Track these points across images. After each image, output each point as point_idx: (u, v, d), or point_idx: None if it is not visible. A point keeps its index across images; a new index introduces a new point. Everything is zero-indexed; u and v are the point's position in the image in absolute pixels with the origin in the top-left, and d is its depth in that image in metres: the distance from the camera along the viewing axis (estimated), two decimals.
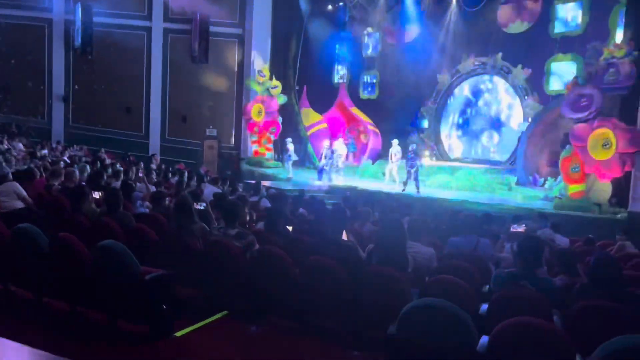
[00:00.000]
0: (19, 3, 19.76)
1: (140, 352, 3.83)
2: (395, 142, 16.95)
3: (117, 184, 8.07)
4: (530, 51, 17.18)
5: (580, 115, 12.26)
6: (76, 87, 20.36)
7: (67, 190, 7.08)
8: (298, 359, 4.00)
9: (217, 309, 4.67)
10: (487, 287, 4.43)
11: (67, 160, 12.94)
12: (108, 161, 13.86)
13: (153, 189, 8.72)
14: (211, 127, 21.14)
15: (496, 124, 19.02)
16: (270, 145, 20.36)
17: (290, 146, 18.14)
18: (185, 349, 4.01)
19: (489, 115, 19.26)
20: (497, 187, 16.00)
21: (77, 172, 7.43)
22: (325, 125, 21.55)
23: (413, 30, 19.71)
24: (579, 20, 16.14)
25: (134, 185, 8.02)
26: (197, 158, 21.02)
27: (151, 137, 20.84)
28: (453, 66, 19.73)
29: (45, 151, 14.37)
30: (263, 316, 4.55)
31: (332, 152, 17.29)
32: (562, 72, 16.12)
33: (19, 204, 6.68)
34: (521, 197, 14.56)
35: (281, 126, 20.05)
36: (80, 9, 19.24)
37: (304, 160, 20.97)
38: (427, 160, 18.01)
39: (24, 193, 6.77)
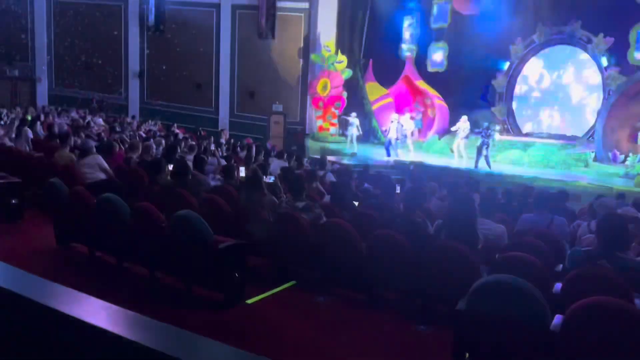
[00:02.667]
0: None
1: (213, 318, 4.01)
2: (464, 118, 16.38)
3: (191, 157, 8.36)
4: (612, 18, 16.01)
5: None
6: (150, 64, 21.15)
7: (145, 162, 7.43)
8: (364, 329, 4.05)
9: (286, 279, 4.81)
10: (561, 266, 4.29)
11: (143, 135, 13.55)
12: (181, 135, 14.38)
13: (224, 162, 9.00)
14: (277, 102, 21.38)
15: (573, 97, 18.05)
16: (335, 121, 20.34)
17: (355, 120, 17.96)
18: (255, 316, 4.16)
19: (565, 88, 18.28)
20: (572, 164, 15.29)
21: (154, 146, 7.77)
22: (390, 99, 21.21)
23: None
24: None
25: (206, 158, 8.27)
26: (264, 133, 21.38)
27: (220, 112, 21.38)
28: (527, 36, 18.79)
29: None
30: (330, 287, 4.63)
31: (401, 126, 17.02)
32: None
33: (102, 176, 7.07)
34: (599, 174, 13.85)
35: (346, 101, 19.95)
36: None
37: (369, 135, 20.82)
38: (497, 135, 17.37)
39: (106, 165, 7.14)
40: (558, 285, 3.64)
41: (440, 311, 4.08)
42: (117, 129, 13.65)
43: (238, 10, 20.93)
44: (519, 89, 19.51)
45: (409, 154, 17.02)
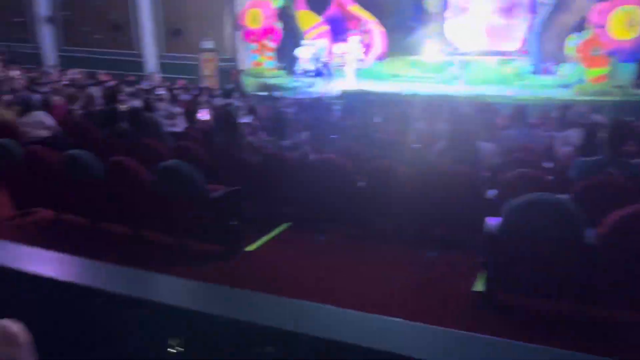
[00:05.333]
0: None
1: (215, 270, 3.77)
2: None
3: (136, 103, 7.75)
4: None
5: None
6: (62, 7, 19.26)
7: (93, 113, 6.80)
8: (373, 263, 3.96)
9: (279, 221, 4.61)
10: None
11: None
12: (111, 83, 13.37)
13: (172, 108, 8.42)
14: (207, 38, 20.22)
15: (505, 11, 18.16)
16: (271, 54, 19.57)
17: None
18: (258, 262, 3.97)
19: (496, 2, 18.35)
20: (511, 78, 15.61)
21: (97, 96, 7.09)
22: (325, 27, 20.57)
23: None
24: None
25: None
26: (197, 73, 20.32)
27: (146, 54, 20.00)
28: None
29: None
30: (328, 225, 4.49)
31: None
32: None
33: (44, 133, 6.41)
34: (537, 86, 14.24)
35: (281, 32, 19.15)
36: None
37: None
38: (436, 55, 17.39)
39: (52, 122, 6.47)
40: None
41: (446, 236, 4.05)
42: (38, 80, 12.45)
43: None
44: (452, 5, 19.41)
45: (348, 82, 16.77)
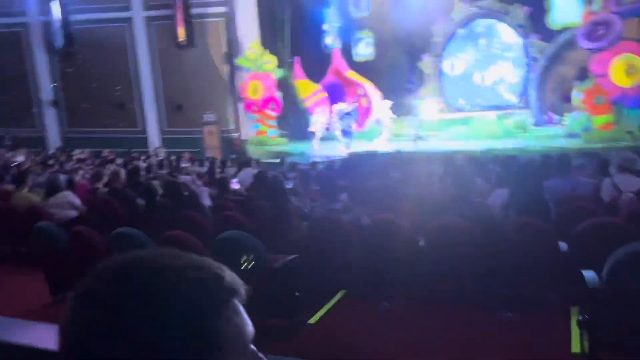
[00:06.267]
0: None
1: (285, 347, 3.52)
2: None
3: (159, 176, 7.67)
4: None
5: (598, 45, 12.00)
6: (65, 90, 19.60)
7: (117, 190, 6.67)
8: (446, 327, 3.73)
9: (335, 289, 4.39)
10: None
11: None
12: (120, 160, 13.38)
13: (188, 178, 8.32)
14: (208, 112, 20.53)
15: (500, 69, 18.69)
16: (273, 123, 19.85)
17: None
18: (327, 335, 3.73)
19: (490, 60, 18.91)
20: (514, 132, 15.80)
21: (123, 172, 7.00)
22: (324, 94, 21.04)
23: None
24: None
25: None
26: (199, 146, 20.46)
27: (149, 130, 20.21)
28: (446, 15, 19.27)
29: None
30: (386, 291, 4.27)
31: (349, 114, 17.02)
32: (564, 4, 15.64)
33: (73, 213, 6.26)
34: (542, 137, 14.39)
35: (282, 101, 19.51)
36: (55, 8, 18.34)
37: (308, 132, 20.61)
38: (435, 114, 17.69)
39: (78, 201, 6.34)
40: None
41: (521, 295, 3.84)
42: (50, 162, 12.41)
43: (152, 22, 19.83)
44: (447, 66, 19.96)
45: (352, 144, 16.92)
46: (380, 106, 17.22)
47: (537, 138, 14.43)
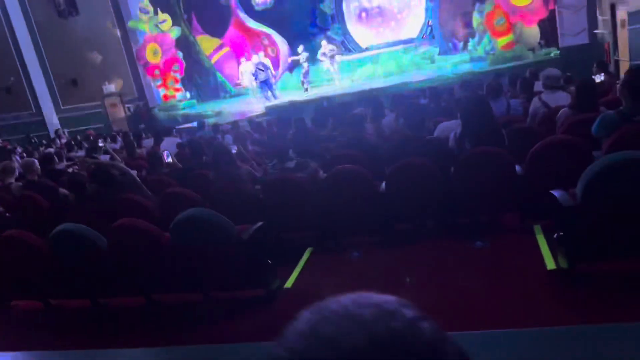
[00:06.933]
0: None
1: (267, 317, 3.40)
2: (300, 48, 16.31)
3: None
4: None
5: None
6: None
7: (36, 183, 6.06)
8: (426, 264, 3.76)
9: (301, 248, 4.29)
10: None
11: None
12: (20, 149, 12.23)
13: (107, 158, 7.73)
14: (108, 83, 19.18)
15: (399, 2, 18.78)
16: (179, 85, 18.92)
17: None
18: (308, 297, 3.63)
19: None
20: (421, 63, 16.10)
21: (36, 162, 6.33)
22: (227, 48, 20.29)
23: None
24: None
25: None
26: (103, 120, 19.20)
27: (45, 111, 18.61)
28: None
29: None
30: (352, 239, 4.24)
31: (266, 68, 16.47)
32: None
33: None
34: (450, 64, 14.78)
35: (183, 62, 18.57)
36: None
37: (218, 91, 19.94)
38: (340, 57, 17.56)
39: None
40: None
41: (490, 222, 3.93)
42: None
43: None
44: (347, 6, 19.77)
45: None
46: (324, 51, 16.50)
47: (445, 67, 14.79)
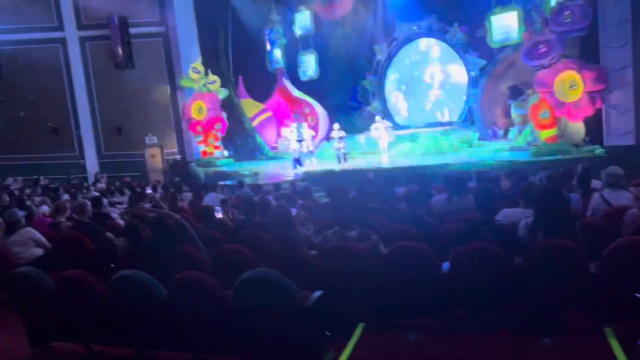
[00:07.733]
0: None
1: None
2: (336, 126, 16.52)
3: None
4: (465, 9, 17.27)
5: (541, 62, 12.59)
6: None
7: (86, 225, 6.11)
8: (486, 354, 3.60)
9: (352, 322, 4.16)
10: None
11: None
12: (61, 189, 12.46)
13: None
14: (150, 134, 19.76)
15: (441, 86, 19.27)
16: (219, 143, 19.37)
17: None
18: None
19: (431, 78, 19.46)
20: (460, 146, 16.24)
21: (89, 204, 6.42)
22: (269, 113, 20.95)
23: (345, 4, 19.28)
24: None
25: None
26: (141, 169, 19.64)
27: (87, 155, 19.17)
28: (389, 35, 19.74)
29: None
30: (409, 321, 4.10)
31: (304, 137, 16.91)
32: (503, 24, 16.26)
33: (38, 252, 5.67)
34: (489, 151, 14.86)
35: (226, 121, 19.09)
36: None
37: (255, 152, 20.37)
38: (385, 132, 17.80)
39: (42, 238, 5.75)
40: None
41: (557, 319, 3.77)
42: None
43: (87, 42, 18.97)
44: (389, 85, 20.36)
45: (310, 164, 16.83)
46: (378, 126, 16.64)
47: (483, 153, 14.85)
